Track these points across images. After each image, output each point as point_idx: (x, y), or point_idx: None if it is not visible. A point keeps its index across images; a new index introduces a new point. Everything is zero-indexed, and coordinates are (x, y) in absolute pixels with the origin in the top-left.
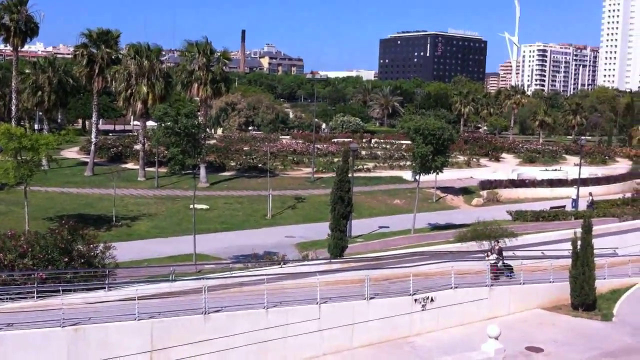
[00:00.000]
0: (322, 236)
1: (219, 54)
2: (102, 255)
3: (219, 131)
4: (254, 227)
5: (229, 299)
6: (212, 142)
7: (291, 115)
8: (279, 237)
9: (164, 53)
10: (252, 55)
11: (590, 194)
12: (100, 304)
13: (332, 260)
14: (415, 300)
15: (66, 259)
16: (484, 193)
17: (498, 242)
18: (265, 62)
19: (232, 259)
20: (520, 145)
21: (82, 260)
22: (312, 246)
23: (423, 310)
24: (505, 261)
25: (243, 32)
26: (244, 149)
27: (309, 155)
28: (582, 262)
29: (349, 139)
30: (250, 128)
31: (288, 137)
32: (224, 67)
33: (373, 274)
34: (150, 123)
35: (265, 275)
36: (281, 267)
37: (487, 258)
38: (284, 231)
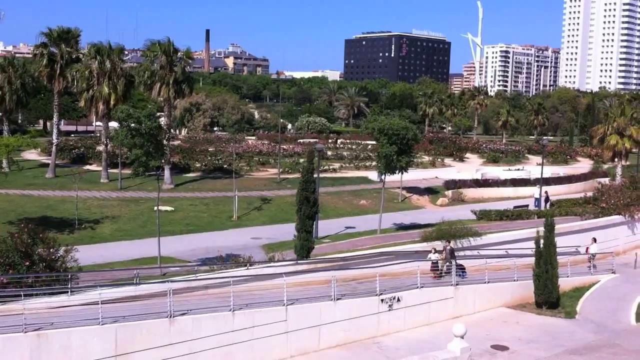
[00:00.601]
0: (289, 237)
1: (181, 53)
2: (63, 259)
3: (184, 132)
4: (220, 229)
5: (194, 302)
6: (177, 143)
7: (257, 116)
8: (245, 239)
9: (126, 53)
10: (217, 55)
11: (546, 192)
12: (63, 309)
13: (298, 262)
14: (382, 300)
15: (27, 263)
16: (449, 193)
17: (449, 242)
18: (230, 62)
19: (198, 261)
20: (484, 146)
21: (44, 264)
22: (278, 247)
23: (390, 310)
24: (457, 261)
25: (207, 31)
26: (209, 149)
27: (274, 156)
28: (545, 260)
29: (314, 140)
30: (215, 129)
31: (254, 137)
32: (187, 67)
33: (340, 274)
34: (113, 124)
35: (232, 277)
36: (247, 269)
37: (428, 256)
38: (250, 232)
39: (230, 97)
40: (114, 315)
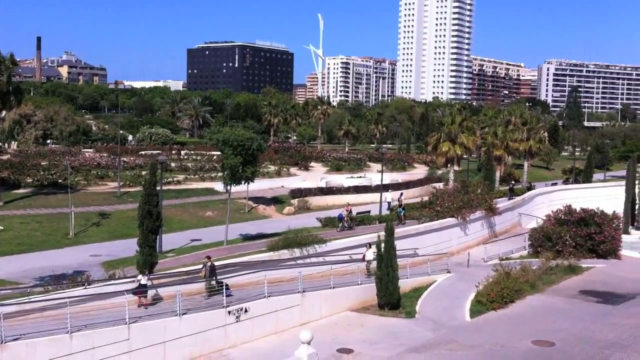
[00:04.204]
0: (131, 253)
1: (7, 61)
2: None
3: (14, 145)
4: (55, 247)
5: (29, 326)
6: (6, 157)
7: (94, 128)
8: (84, 257)
9: None
10: (50, 64)
11: (402, 193)
12: None
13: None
14: (229, 312)
15: None
16: (295, 201)
17: (209, 258)
18: (64, 71)
19: (32, 283)
20: (328, 154)
21: None
22: (119, 264)
23: (237, 321)
24: (218, 278)
25: (38, 39)
26: (42, 163)
27: (114, 169)
28: (386, 263)
29: (157, 151)
30: (48, 141)
31: (91, 150)
32: (14, 76)
33: (185, 289)
34: None
35: (69, 297)
36: (85, 288)
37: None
38: (89, 250)
39: (64, 108)
40: None
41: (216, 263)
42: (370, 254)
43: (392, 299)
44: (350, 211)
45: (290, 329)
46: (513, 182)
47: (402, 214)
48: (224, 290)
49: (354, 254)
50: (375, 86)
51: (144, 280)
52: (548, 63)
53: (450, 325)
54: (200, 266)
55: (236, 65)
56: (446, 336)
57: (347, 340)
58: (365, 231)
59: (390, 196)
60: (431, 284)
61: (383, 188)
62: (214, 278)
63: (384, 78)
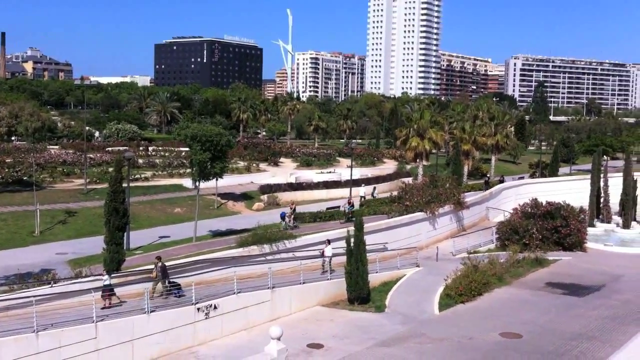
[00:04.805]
0: (98, 250)
1: None
2: None
3: None
4: (21, 246)
5: None
6: None
7: (60, 124)
8: (50, 255)
9: None
10: (14, 60)
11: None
12: None
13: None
14: (198, 309)
15: None
16: (265, 197)
17: (160, 259)
18: (29, 67)
19: None
20: (298, 150)
21: None
22: (86, 262)
23: (207, 318)
24: (171, 279)
25: (2, 34)
26: (7, 160)
27: (80, 166)
28: (356, 258)
29: (124, 147)
30: (13, 138)
31: (57, 147)
32: None
33: (153, 286)
34: None
35: (34, 296)
36: (52, 286)
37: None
38: (55, 248)
39: (29, 104)
40: None
41: (185, 260)
42: (329, 250)
43: (361, 294)
44: (294, 209)
45: (260, 325)
46: (488, 176)
47: (350, 210)
48: (177, 292)
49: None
50: (345, 81)
51: (107, 280)
52: (515, 58)
53: (419, 319)
54: (152, 266)
55: (204, 61)
56: (415, 329)
57: (317, 335)
58: (336, 226)
59: (363, 190)
60: (400, 278)
61: (353, 183)
62: (166, 279)
63: (353, 73)
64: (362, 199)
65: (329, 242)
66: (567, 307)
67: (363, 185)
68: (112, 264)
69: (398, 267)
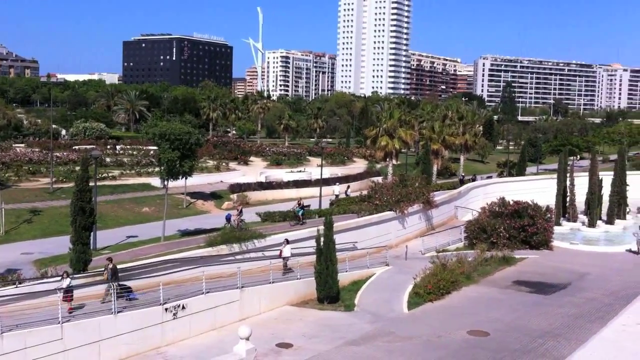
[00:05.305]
0: (64, 250)
1: None
2: None
3: None
4: None
5: None
6: None
7: (25, 122)
8: (15, 255)
9: None
10: None
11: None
12: None
13: (74, 276)
14: (167, 309)
15: None
16: (234, 196)
17: (111, 260)
18: None
19: None
20: (268, 149)
21: None
22: (52, 262)
23: (175, 318)
24: (121, 282)
25: None
26: None
27: (47, 165)
28: (326, 257)
29: (92, 146)
30: None
31: (23, 145)
32: None
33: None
34: None
35: None
36: (17, 286)
37: (60, 283)
38: (20, 247)
39: None
40: None
41: (153, 260)
42: (288, 250)
43: (331, 293)
44: (241, 212)
45: (229, 325)
46: (463, 175)
47: (300, 214)
48: (127, 295)
49: (294, 249)
50: (315, 80)
51: (66, 282)
52: (483, 59)
53: (388, 317)
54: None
55: (174, 59)
56: (384, 328)
57: (287, 335)
58: (305, 226)
59: (337, 188)
60: (370, 277)
61: (323, 182)
62: (117, 281)
63: (323, 72)
64: (336, 197)
65: (287, 242)
66: (533, 305)
67: (337, 183)
68: (78, 264)
69: (368, 266)
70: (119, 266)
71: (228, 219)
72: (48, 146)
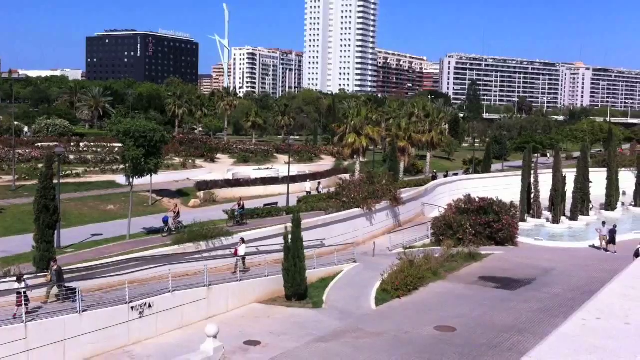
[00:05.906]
0: (28, 249)
1: None
2: None
3: None
4: None
5: None
6: None
7: None
8: None
9: None
10: None
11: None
12: None
13: (38, 275)
14: (132, 308)
15: None
16: (201, 194)
17: (56, 262)
18: None
19: None
20: (235, 146)
21: None
22: (15, 261)
23: (141, 317)
24: (66, 284)
25: None
26: None
27: (9, 162)
28: (294, 254)
29: (55, 143)
30: None
31: None
32: None
33: (85, 285)
34: None
35: None
36: None
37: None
38: None
39: None
40: None
41: (119, 258)
42: (243, 249)
43: (299, 290)
44: (178, 213)
45: (196, 323)
46: (434, 171)
47: (240, 213)
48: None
49: (261, 246)
50: (282, 78)
51: (19, 285)
52: (449, 57)
53: (356, 314)
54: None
55: (138, 55)
56: (352, 325)
57: (254, 332)
58: (274, 223)
59: (309, 185)
60: (338, 274)
61: (291, 180)
62: (61, 283)
63: (290, 70)
64: (308, 194)
65: (242, 240)
66: (499, 301)
67: (308, 180)
68: (42, 262)
69: (335, 263)
70: (82, 265)
71: (165, 221)
72: (10, 143)
